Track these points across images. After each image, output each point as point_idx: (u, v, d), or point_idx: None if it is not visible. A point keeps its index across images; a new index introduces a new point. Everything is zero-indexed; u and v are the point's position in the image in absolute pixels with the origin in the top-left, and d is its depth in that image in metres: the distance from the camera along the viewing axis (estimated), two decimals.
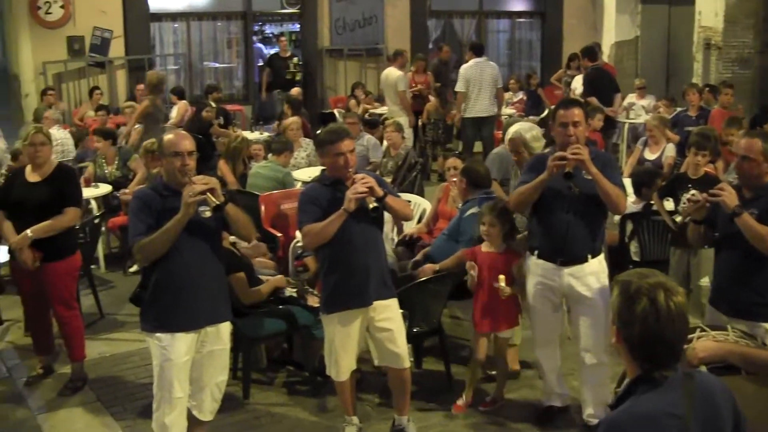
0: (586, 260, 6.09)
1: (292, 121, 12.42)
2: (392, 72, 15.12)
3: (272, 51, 24.81)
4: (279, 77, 18.78)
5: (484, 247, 6.72)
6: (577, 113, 5.96)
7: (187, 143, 5.41)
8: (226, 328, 5.67)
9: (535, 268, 6.27)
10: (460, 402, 6.83)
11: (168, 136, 5.47)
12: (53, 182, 7.08)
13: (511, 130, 7.01)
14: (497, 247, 6.68)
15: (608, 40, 20.22)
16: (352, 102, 16.79)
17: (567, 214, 6.02)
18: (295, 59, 19.11)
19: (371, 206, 5.67)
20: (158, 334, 5.41)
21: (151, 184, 5.62)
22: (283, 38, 19.99)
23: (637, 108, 16.12)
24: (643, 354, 2.98)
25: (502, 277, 6.42)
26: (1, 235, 7.14)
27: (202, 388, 5.64)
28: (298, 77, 19.05)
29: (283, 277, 7.64)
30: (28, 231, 6.90)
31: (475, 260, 6.70)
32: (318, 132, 6.39)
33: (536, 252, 6.25)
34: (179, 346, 5.41)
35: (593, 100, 13.16)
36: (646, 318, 2.92)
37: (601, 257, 6.21)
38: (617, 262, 7.65)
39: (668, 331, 2.92)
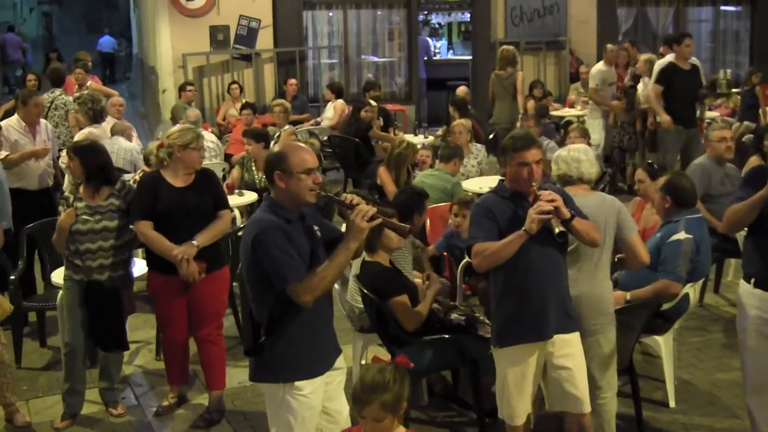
0: None
1: (459, 123, 12.38)
2: (594, 67, 15.07)
3: (436, 42, 24.88)
4: (680, 104, 13.16)
5: None
6: None
7: (313, 159, 5.22)
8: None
9: (751, 298, 6.03)
10: None
11: (293, 151, 5.21)
12: (201, 186, 7.20)
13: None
14: None
15: None
16: (530, 103, 16.64)
17: None
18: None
19: (557, 230, 5.55)
20: (297, 383, 5.23)
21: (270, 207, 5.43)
22: (687, 41, 13.13)
23: None
24: None
25: None
26: (153, 248, 7.13)
27: (337, 427, 5.52)
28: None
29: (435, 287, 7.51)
30: (194, 240, 7.03)
31: None
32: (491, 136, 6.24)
33: (752, 280, 6.02)
34: (319, 390, 5.32)
35: None
36: None
37: None
38: None
39: None
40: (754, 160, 10.04)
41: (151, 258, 7.26)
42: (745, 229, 6.10)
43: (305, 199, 5.16)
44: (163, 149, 7.29)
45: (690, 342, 8.75)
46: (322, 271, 5.03)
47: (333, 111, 16.23)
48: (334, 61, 19.83)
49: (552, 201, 5.53)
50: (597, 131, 13.89)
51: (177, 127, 7.74)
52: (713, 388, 7.84)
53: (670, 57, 13.29)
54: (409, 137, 14.60)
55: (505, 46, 15.56)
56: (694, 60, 13.34)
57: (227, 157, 13.36)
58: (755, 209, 5.80)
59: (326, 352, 5.39)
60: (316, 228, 5.28)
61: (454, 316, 7.30)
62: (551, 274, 5.81)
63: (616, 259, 7.04)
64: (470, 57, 21.03)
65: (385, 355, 7.49)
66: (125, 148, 11.29)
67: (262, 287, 5.15)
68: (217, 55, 17.95)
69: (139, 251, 7.51)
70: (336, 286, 7.47)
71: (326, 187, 5.20)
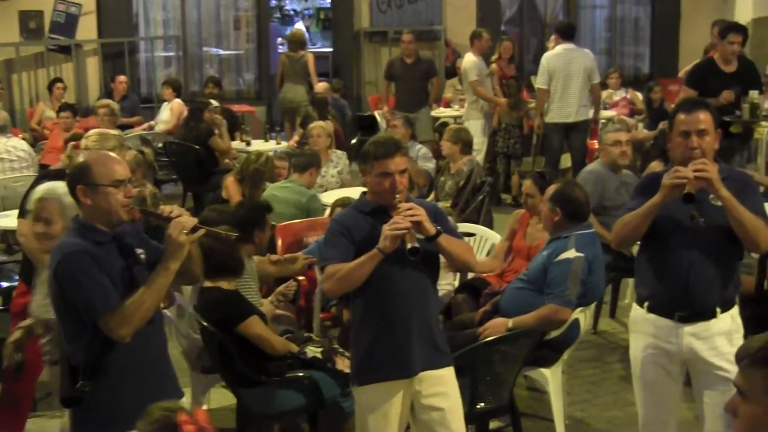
0: (714, 315, 5.95)
1: (317, 125, 12.38)
2: (465, 59, 15.16)
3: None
4: None
5: None
6: (703, 119, 5.81)
7: (123, 169, 5.18)
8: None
9: (645, 324, 6.12)
10: None
11: (99, 161, 5.15)
12: None
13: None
14: None
15: (743, 16, 19.74)
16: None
17: (689, 252, 5.89)
18: None
19: (409, 246, 5.51)
20: None
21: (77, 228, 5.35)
22: (732, 37, 11.85)
23: None
24: None
25: None
26: None
27: None
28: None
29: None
30: None
31: None
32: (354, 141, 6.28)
33: (646, 303, 6.10)
34: None
35: None
36: None
37: (735, 312, 6.07)
38: (755, 317, 7.49)
39: None
40: (655, 165, 10.14)
41: None
42: (638, 244, 6.25)
43: (117, 216, 5.08)
44: None
45: (583, 375, 8.90)
46: (138, 298, 4.96)
47: (169, 113, 16.08)
48: (170, 54, 19.70)
49: (412, 215, 5.57)
50: (477, 135, 13.89)
51: None
52: (610, 426, 7.99)
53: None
54: (259, 143, 14.61)
55: (294, 29, 17.35)
56: None
57: (42, 168, 13.15)
58: (646, 220, 5.87)
59: (162, 397, 5.34)
60: (139, 251, 5.23)
61: (309, 349, 7.31)
62: (415, 299, 5.84)
63: None
64: (331, 49, 21.06)
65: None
66: None
67: (73, 323, 5.06)
68: (28, 47, 17.68)
69: None
70: (173, 318, 7.44)
71: (158, 199, 5.17)
